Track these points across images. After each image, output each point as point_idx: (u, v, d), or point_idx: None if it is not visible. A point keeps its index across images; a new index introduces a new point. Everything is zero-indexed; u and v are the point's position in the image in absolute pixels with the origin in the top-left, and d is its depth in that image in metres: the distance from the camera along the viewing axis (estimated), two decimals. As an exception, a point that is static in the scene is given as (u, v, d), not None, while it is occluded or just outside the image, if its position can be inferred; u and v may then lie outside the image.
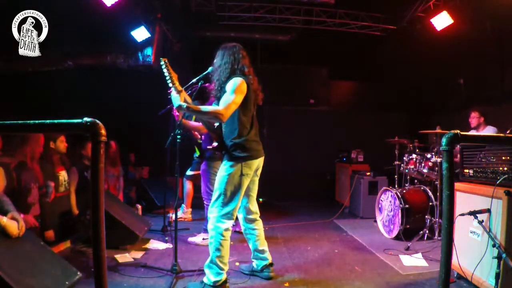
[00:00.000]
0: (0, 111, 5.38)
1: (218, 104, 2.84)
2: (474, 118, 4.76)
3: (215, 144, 2.88)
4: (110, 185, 4.92)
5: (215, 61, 2.90)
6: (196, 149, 4.72)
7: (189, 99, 2.92)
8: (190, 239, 4.11)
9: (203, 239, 3.96)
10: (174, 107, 2.71)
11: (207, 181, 4.18)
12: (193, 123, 3.85)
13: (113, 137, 5.10)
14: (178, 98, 2.66)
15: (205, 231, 3.80)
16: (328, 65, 7.87)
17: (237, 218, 3.12)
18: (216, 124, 2.90)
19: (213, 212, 2.77)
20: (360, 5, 6.68)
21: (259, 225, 3.09)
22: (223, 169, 2.78)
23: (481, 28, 5.62)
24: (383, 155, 5.65)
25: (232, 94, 2.66)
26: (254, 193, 3.05)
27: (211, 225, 2.76)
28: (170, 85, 2.68)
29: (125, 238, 3.71)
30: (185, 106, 2.60)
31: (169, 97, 2.75)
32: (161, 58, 2.69)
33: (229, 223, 2.76)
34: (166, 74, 2.67)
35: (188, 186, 5.15)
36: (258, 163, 2.87)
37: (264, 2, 6.60)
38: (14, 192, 3.04)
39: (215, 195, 2.79)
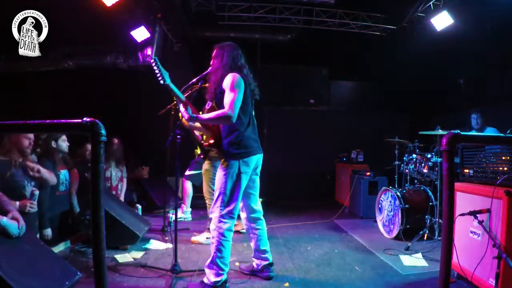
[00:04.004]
0: (0, 111, 5.38)
1: (215, 105, 2.85)
2: (476, 119, 4.77)
3: (211, 141, 2.88)
4: (112, 186, 4.92)
5: (212, 62, 2.89)
6: (198, 148, 4.71)
7: (194, 109, 2.92)
8: (194, 238, 4.11)
9: (207, 238, 3.97)
10: (185, 120, 2.77)
11: (209, 180, 4.19)
12: (197, 125, 3.84)
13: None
14: (185, 112, 2.71)
15: (209, 230, 3.80)
16: (328, 65, 7.87)
17: (238, 217, 3.13)
18: None
19: (214, 212, 2.77)
20: (360, 5, 6.69)
21: (262, 225, 3.08)
22: (221, 168, 2.78)
23: (481, 28, 5.62)
24: (383, 155, 5.65)
25: (232, 91, 2.66)
26: (256, 191, 3.04)
27: (213, 226, 2.76)
28: (161, 82, 2.67)
29: (125, 238, 3.71)
30: (194, 117, 2.67)
31: (175, 102, 2.76)
32: (151, 57, 2.71)
33: (230, 223, 2.76)
34: (157, 71, 2.65)
35: (187, 185, 5.15)
36: (256, 160, 2.86)
37: (264, 2, 6.60)
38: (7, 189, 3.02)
39: (215, 195, 2.80)
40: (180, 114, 2.97)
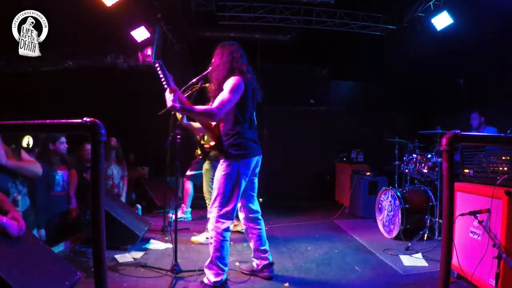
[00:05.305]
0: (0, 111, 5.38)
1: None
2: (475, 119, 4.80)
3: (212, 143, 2.88)
4: (114, 184, 4.93)
5: (213, 60, 2.89)
6: (199, 149, 4.71)
7: (184, 100, 2.90)
8: (193, 238, 4.11)
9: (207, 238, 3.96)
10: (170, 107, 2.64)
11: (209, 180, 4.19)
12: (195, 124, 3.82)
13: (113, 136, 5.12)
14: (171, 98, 2.60)
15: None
16: (328, 65, 7.87)
17: (238, 218, 3.13)
18: (214, 123, 2.89)
19: (212, 212, 2.78)
20: (360, 5, 6.68)
21: (261, 225, 3.08)
22: (220, 169, 2.78)
23: (481, 28, 5.62)
24: (383, 155, 5.65)
25: (228, 93, 2.65)
26: (255, 192, 3.04)
27: (211, 226, 2.76)
28: (165, 86, 2.66)
29: (125, 238, 3.71)
30: (178, 107, 2.57)
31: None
32: (155, 61, 2.67)
33: (228, 223, 2.76)
34: (161, 75, 2.63)
35: (188, 186, 5.16)
36: (255, 162, 2.87)
37: (264, 2, 6.60)
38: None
39: (213, 195, 2.80)
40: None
